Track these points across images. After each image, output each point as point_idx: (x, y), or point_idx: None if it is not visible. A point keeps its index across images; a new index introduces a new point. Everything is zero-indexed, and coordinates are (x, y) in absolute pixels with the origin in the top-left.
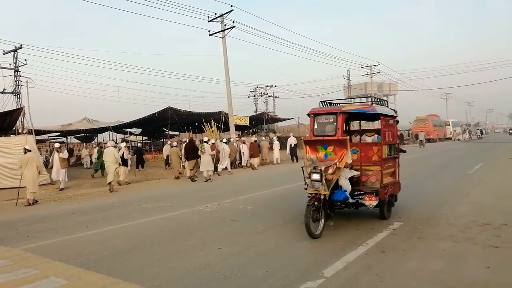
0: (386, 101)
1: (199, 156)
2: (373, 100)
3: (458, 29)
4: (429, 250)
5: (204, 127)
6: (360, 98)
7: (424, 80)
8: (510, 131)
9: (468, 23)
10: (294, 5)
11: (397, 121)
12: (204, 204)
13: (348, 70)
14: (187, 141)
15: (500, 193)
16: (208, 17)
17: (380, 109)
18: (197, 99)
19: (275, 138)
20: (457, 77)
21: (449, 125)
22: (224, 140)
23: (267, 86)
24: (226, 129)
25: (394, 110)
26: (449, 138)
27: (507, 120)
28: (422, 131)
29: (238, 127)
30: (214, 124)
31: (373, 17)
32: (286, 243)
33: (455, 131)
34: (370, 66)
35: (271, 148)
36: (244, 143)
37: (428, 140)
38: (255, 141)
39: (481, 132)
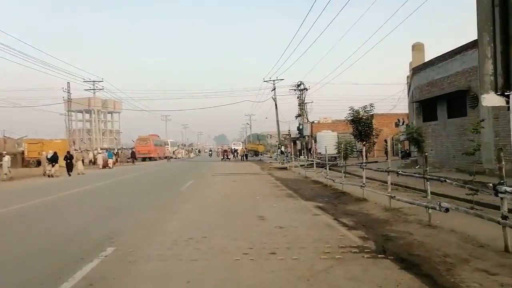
0: None
1: None
2: None
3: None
4: (139, 274)
5: None
6: (83, 112)
7: (147, 101)
8: (210, 152)
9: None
10: None
11: None
12: None
13: (68, 83)
14: None
15: (205, 207)
16: None
17: None
18: None
19: None
20: (175, 102)
21: (168, 144)
22: None
23: None
24: None
25: None
26: (169, 157)
27: (213, 141)
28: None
29: None
30: None
31: (96, 31)
32: None
33: (175, 150)
34: (93, 81)
35: None
36: None
37: (150, 159)
38: None
39: (199, 151)
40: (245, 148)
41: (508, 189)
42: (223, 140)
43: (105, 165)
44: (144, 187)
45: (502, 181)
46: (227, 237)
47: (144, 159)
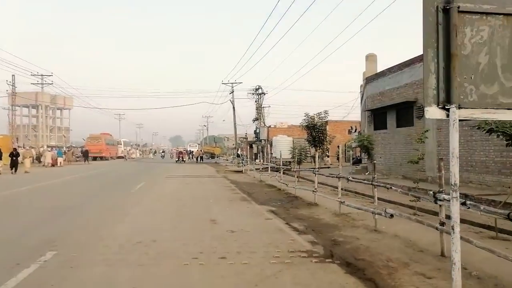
0: None
1: None
2: None
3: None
4: (80, 280)
5: None
6: (29, 107)
7: (100, 99)
8: (162, 153)
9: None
10: None
11: None
12: None
13: (13, 76)
14: None
15: (156, 210)
16: None
17: None
18: None
19: None
20: (130, 100)
21: (121, 144)
22: None
23: None
24: None
25: None
26: (122, 157)
27: (168, 142)
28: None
29: None
30: None
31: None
32: None
33: (129, 150)
34: (42, 75)
35: None
36: None
37: (101, 158)
38: None
39: (155, 152)
40: (201, 150)
41: (446, 197)
42: (179, 142)
43: (54, 164)
44: (93, 187)
45: (441, 190)
46: (177, 241)
47: (95, 159)
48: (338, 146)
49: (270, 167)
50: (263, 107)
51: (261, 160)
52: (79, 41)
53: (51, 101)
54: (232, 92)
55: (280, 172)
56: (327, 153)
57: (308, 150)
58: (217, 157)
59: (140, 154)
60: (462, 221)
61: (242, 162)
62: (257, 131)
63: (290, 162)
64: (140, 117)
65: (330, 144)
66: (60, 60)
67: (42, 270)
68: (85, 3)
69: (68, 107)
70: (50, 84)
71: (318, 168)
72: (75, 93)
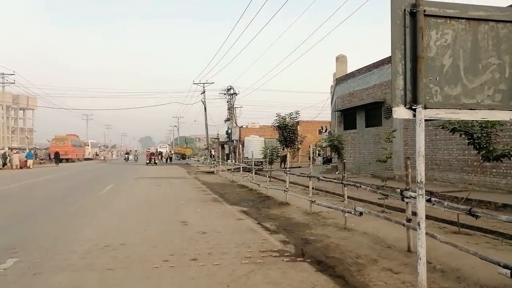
0: None
1: None
2: None
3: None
4: (45, 287)
5: None
6: None
7: (67, 99)
8: (126, 156)
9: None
10: None
11: None
12: None
13: None
14: None
15: (125, 213)
16: None
17: None
18: None
19: None
20: (97, 100)
21: (89, 145)
22: None
23: None
24: None
25: None
26: (89, 158)
27: (138, 143)
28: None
29: None
30: None
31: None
32: None
33: (102, 151)
34: (2, 73)
35: None
36: None
37: (67, 160)
38: None
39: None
40: (170, 151)
41: (413, 194)
42: (149, 143)
43: (23, 166)
44: (59, 190)
45: (407, 187)
46: (147, 244)
47: (61, 160)
48: (310, 146)
49: (242, 167)
50: (235, 108)
51: (233, 161)
52: (45, 40)
53: (14, 101)
54: (204, 92)
55: (252, 172)
56: (298, 153)
57: (279, 150)
58: (188, 158)
59: (111, 156)
60: (427, 217)
61: (213, 163)
62: (229, 131)
63: (262, 162)
64: (109, 118)
65: (301, 144)
66: (24, 60)
67: (1, 279)
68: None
69: (32, 107)
70: (12, 83)
71: (289, 167)
72: (39, 93)
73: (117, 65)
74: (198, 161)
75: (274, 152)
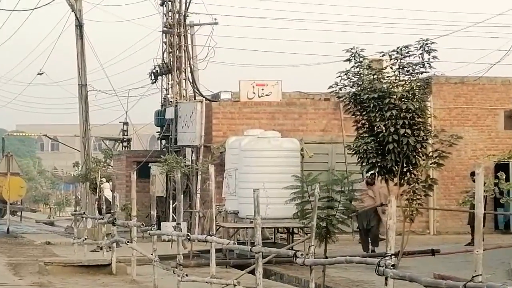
0: None
1: None
2: None
3: None
4: None
5: None
6: None
7: None
8: None
9: None
10: None
11: None
12: None
13: None
14: None
15: None
16: None
17: None
18: None
19: None
20: None
21: None
22: None
23: None
24: None
25: None
26: None
27: None
28: None
29: None
30: None
31: None
32: None
33: None
34: None
35: None
36: None
37: None
38: None
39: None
40: None
41: None
42: None
43: None
44: None
45: None
46: None
47: None
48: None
49: (219, 249)
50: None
51: (190, 218)
52: None
53: None
54: None
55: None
56: None
57: (357, 182)
58: (15, 208)
59: None
60: None
61: (111, 232)
62: (170, 110)
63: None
64: None
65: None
66: None
67: None
68: None
69: None
70: None
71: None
72: None
73: None
74: (51, 217)
75: (349, 193)
